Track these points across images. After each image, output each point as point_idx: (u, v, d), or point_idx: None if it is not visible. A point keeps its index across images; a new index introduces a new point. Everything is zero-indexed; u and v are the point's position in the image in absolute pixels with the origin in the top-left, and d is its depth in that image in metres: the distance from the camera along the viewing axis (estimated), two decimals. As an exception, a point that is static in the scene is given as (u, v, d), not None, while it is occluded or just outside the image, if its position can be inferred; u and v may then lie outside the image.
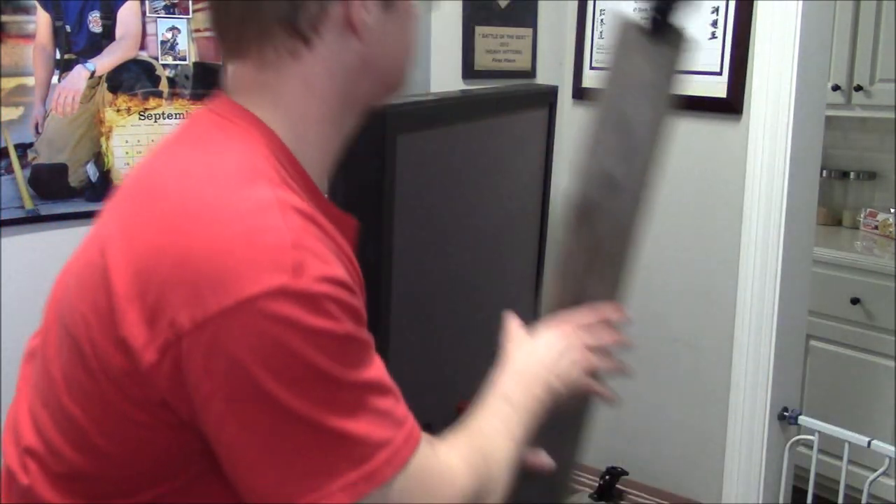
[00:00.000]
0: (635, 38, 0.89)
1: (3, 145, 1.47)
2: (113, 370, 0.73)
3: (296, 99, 0.83)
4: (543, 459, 1.03)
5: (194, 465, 0.76)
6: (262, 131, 0.81)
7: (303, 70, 0.83)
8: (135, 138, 1.61)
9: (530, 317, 2.19)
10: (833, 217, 3.50)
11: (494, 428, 0.91)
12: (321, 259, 0.72)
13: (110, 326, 0.72)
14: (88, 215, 1.47)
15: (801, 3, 1.84)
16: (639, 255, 2.28)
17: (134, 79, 1.58)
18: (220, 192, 0.74)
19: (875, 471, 1.93)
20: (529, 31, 2.21)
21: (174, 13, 1.61)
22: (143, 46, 1.58)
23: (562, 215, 0.94)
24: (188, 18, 1.62)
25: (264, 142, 0.81)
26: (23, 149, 1.49)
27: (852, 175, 3.48)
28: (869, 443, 1.92)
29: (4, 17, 1.46)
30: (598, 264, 0.93)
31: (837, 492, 2.02)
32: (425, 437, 0.82)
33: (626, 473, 2.07)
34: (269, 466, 0.71)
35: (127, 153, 1.61)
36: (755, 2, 1.90)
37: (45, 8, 1.49)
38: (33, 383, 0.84)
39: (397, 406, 0.81)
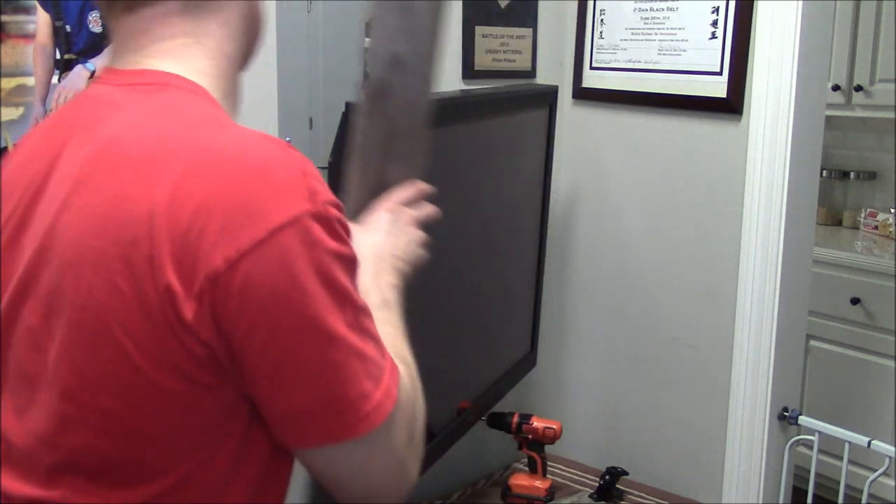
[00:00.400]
0: None
1: (3, 145, 1.47)
2: (156, 335, 0.72)
3: (218, 41, 0.84)
4: None
5: (221, 432, 0.77)
6: (192, 87, 0.81)
7: (223, 12, 0.84)
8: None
9: (530, 315, 2.20)
10: (833, 217, 3.50)
11: (393, 336, 0.94)
12: (322, 184, 0.75)
13: (153, 289, 0.71)
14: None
15: (801, 3, 1.84)
16: (638, 256, 2.29)
17: (134, 79, 1.58)
18: (216, 137, 0.75)
19: (875, 471, 1.93)
20: (529, 31, 2.21)
21: (174, 13, 1.61)
22: (143, 46, 1.58)
23: (357, 102, 0.97)
24: (188, 18, 1.62)
25: (202, 93, 0.82)
26: (23, 149, 1.49)
27: (852, 175, 3.48)
28: (869, 443, 1.92)
29: (4, 17, 1.46)
30: (395, 144, 0.97)
31: (837, 492, 2.02)
32: None
33: (626, 473, 2.07)
34: (308, 387, 0.74)
35: (127, 153, 1.60)
36: (755, 2, 1.90)
37: (45, 8, 1.49)
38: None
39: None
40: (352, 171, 1.00)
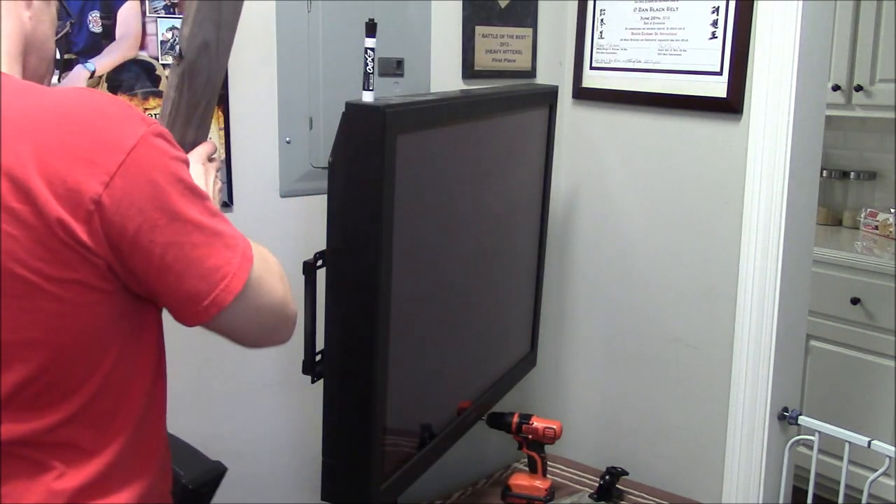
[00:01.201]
0: None
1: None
2: (62, 259, 0.87)
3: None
4: None
5: (123, 331, 0.96)
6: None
7: None
8: (135, 138, 1.61)
9: (530, 315, 2.20)
10: (833, 217, 3.50)
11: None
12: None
13: (44, 226, 0.86)
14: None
15: (801, 3, 1.84)
16: (638, 256, 2.29)
17: (134, 79, 1.58)
18: (46, 97, 0.91)
19: (875, 471, 1.93)
20: (529, 31, 2.22)
21: (174, 13, 1.61)
22: (143, 46, 1.58)
23: (170, 76, 1.17)
24: (188, 18, 1.62)
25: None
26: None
27: (852, 175, 3.48)
28: (869, 443, 1.92)
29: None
30: (196, 113, 1.19)
31: (837, 492, 2.02)
32: None
33: (626, 473, 2.07)
34: (191, 270, 0.93)
35: (127, 153, 1.60)
36: (755, 2, 1.90)
37: (45, 8, 1.49)
38: None
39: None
40: None
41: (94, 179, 0.87)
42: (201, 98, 1.18)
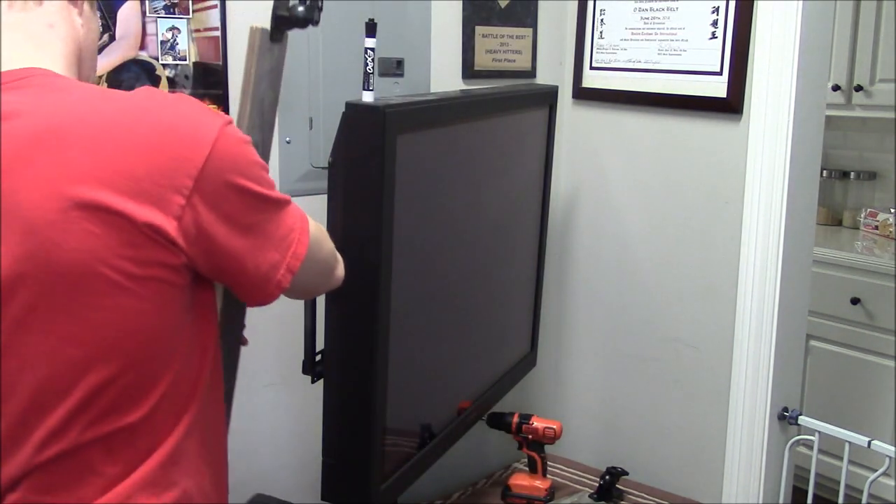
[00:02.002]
0: (265, 40, 1.27)
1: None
2: (139, 260, 0.88)
3: (40, 34, 0.99)
4: None
5: (191, 326, 0.98)
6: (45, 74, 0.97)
7: (44, 16, 1.00)
8: (135, 138, 1.61)
9: (530, 315, 2.20)
10: (833, 217, 3.50)
11: None
12: None
13: (129, 228, 0.87)
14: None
15: (801, 3, 1.84)
16: (639, 256, 2.29)
17: (134, 79, 1.58)
18: (129, 97, 0.93)
19: (875, 471, 1.93)
20: (529, 31, 2.22)
21: (174, 13, 1.61)
22: (143, 46, 1.58)
23: None
24: (188, 18, 1.62)
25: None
26: (23, 149, 1.49)
27: (852, 175, 3.48)
28: (869, 443, 1.92)
29: (4, 17, 1.46)
30: None
31: (837, 492, 2.02)
32: None
33: (626, 473, 2.07)
34: (271, 244, 0.99)
35: (127, 153, 1.61)
36: (755, 2, 1.90)
37: (45, 8, 1.49)
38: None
39: None
40: None
41: (184, 175, 0.89)
42: None
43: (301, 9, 1.29)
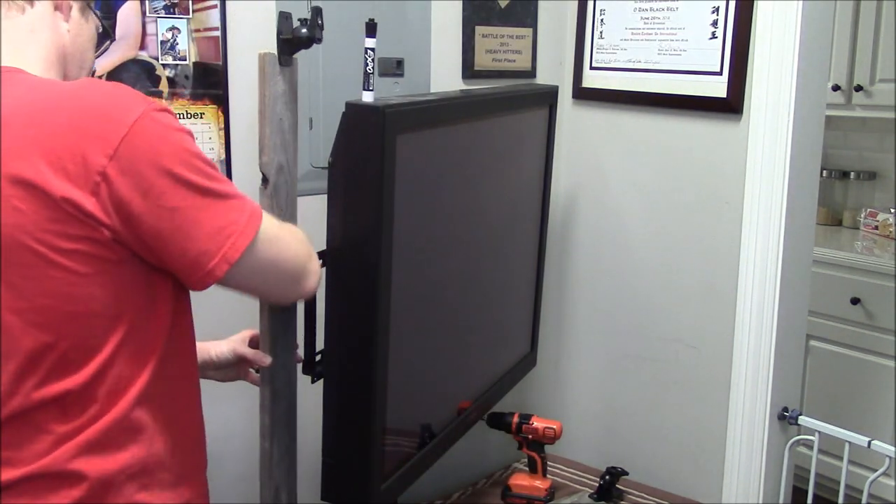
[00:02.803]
0: (273, 65, 1.33)
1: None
2: (66, 233, 0.95)
3: (27, 43, 1.07)
4: None
5: (136, 299, 1.02)
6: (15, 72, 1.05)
7: (30, 22, 1.08)
8: (135, 138, 1.61)
9: (530, 315, 2.19)
10: (833, 217, 3.50)
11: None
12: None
13: (51, 203, 0.94)
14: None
15: (801, 3, 1.84)
16: (638, 256, 2.29)
17: (134, 79, 1.58)
18: (65, 85, 1.01)
19: (875, 471, 1.93)
20: (529, 31, 2.22)
21: (174, 13, 1.61)
22: (143, 46, 1.58)
23: (261, 200, 1.34)
24: (188, 18, 1.62)
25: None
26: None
27: (852, 175, 3.48)
28: (869, 443, 1.92)
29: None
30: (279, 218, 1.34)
31: (837, 492, 2.02)
32: None
33: (626, 473, 2.07)
34: (200, 232, 1.00)
35: (127, 153, 1.61)
36: (755, 2, 1.90)
37: (45, 8, 1.49)
38: None
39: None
40: None
41: (99, 153, 0.94)
42: (286, 210, 1.37)
43: (304, 30, 1.35)
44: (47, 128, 0.95)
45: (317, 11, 1.35)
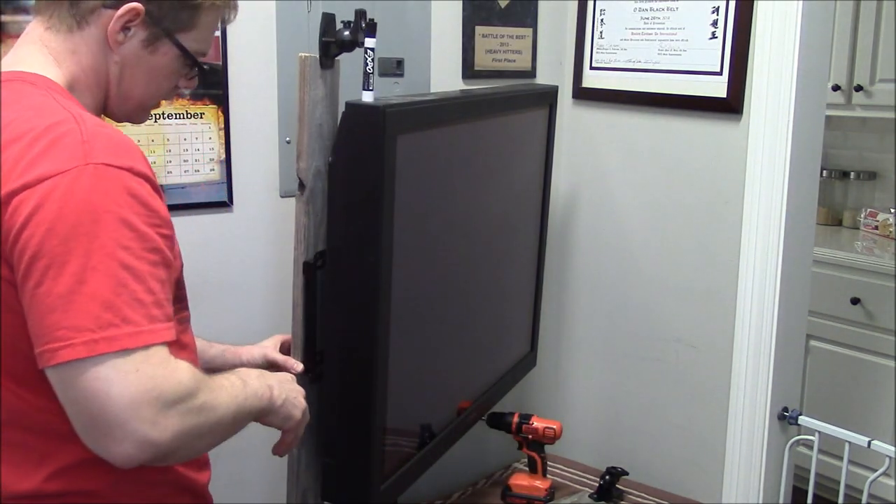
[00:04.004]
0: (314, 68, 1.31)
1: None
2: None
3: (64, 58, 1.08)
4: None
5: None
6: (43, 81, 1.06)
7: (73, 42, 1.08)
8: (135, 138, 1.60)
9: (530, 315, 2.19)
10: (833, 217, 3.49)
11: (221, 379, 1.09)
12: (116, 152, 0.98)
13: None
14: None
15: (801, 3, 1.84)
16: (638, 255, 2.29)
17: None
18: (41, 113, 0.99)
19: (875, 471, 1.93)
20: (529, 31, 2.22)
21: (174, 13, 1.61)
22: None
23: (297, 205, 1.33)
24: (188, 18, 1.62)
25: (46, 86, 1.05)
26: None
27: (852, 175, 3.48)
28: (869, 443, 1.92)
29: (4, 17, 1.46)
30: (320, 233, 1.36)
31: (837, 492, 2.02)
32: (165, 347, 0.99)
33: (626, 473, 2.07)
34: (44, 314, 0.92)
35: (127, 153, 1.60)
36: (755, 2, 1.90)
37: (45, 8, 1.48)
38: None
39: (153, 304, 0.97)
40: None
41: (13, 184, 0.93)
42: (322, 217, 1.35)
43: (346, 33, 1.32)
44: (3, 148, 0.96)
45: (360, 14, 1.33)
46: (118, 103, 1.14)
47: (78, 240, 0.91)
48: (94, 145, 0.95)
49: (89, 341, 0.90)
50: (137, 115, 1.19)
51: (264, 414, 1.15)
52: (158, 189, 1.02)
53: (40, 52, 1.08)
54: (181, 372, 0.97)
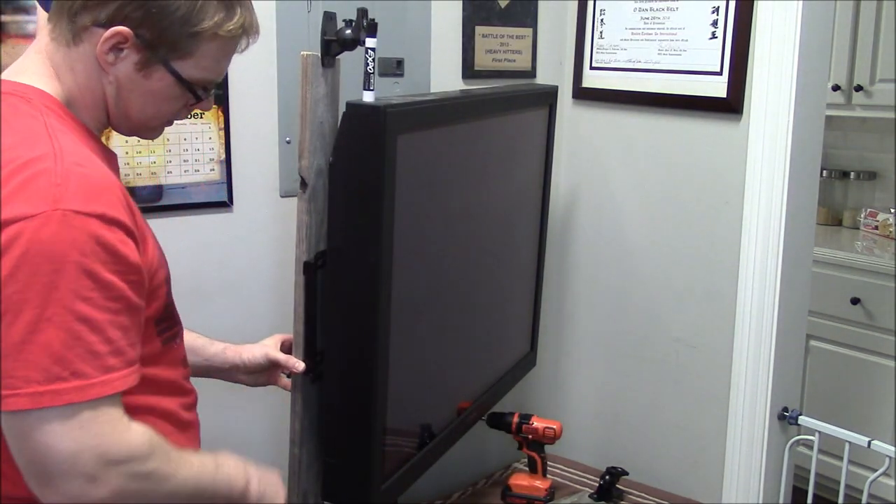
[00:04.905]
0: (316, 66, 1.31)
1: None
2: None
3: (62, 73, 1.08)
4: None
5: None
6: (40, 96, 1.05)
7: (70, 57, 1.07)
8: (135, 138, 1.60)
9: (530, 315, 2.19)
10: (833, 217, 3.50)
11: (192, 455, 1.09)
12: (90, 199, 0.97)
13: None
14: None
15: (801, 3, 1.84)
16: (639, 256, 2.29)
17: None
18: (28, 145, 0.98)
19: (875, 471, 1.93)
20: (529, 31, 2.22)
21: (174, 13, 1.61)
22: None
23: (299, 203, 1.33)
24: (188, 18, 1.62)
25: (43, 103, 1.04)
26: (23, 149, 1.49)
27: (852, 175, 3.48)
28: (869, 443, 1.92)
29: (4, 17, 1.46)
30: (321, 232, 1.36)
31: (837, 492, 2.02)
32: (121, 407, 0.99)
33: (626, 473, 2.07)
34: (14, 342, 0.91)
35: (127, 153, 1.61)
36: (755, 2, 1.90)
37: (45, 8, 1.48)
38: None
39: (112, 353, 0.96)
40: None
41: None
42: (324, 215, 1.34)
43: (348, 31, 1.32)
44: None
45: (362, 13, 1.33)
46: (119, 122, 1.13)
47: (36, 289, 0.91)
48: (66, 188, 0.93)
49: (35, 394, 0.91)
50: (142, 133, 1.18)
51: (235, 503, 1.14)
52: (133, 232, 0.99)
53: (43, 63, 1.08)
54: (132, 434, 0.98)
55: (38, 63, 1.08)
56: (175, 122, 1.19)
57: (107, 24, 1.04)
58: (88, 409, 0.94)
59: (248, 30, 1.14)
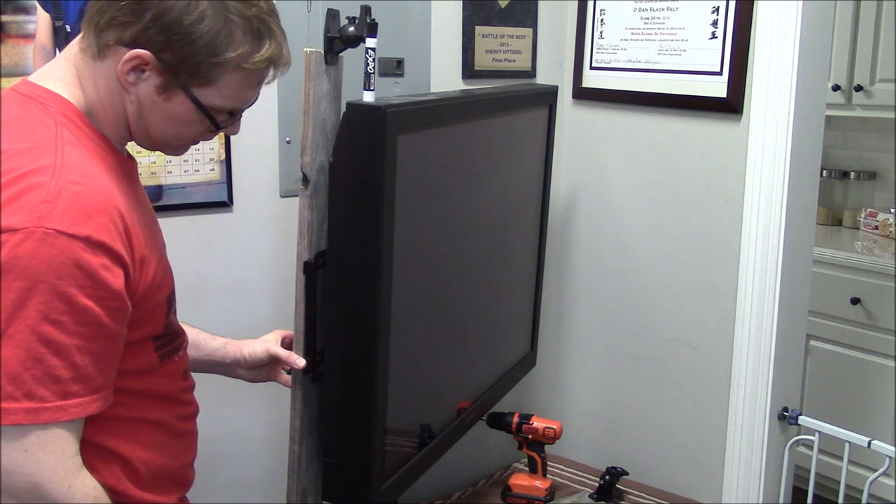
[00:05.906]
0: (319, 63, 1.31)
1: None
2: None
3: (86, 84, 1.08)
4: None
5: None
6: (59, 104, 1.06)
7: (94, 70, 1.07)
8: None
9: (530, 315, 2.19)
10: (833, 217, 3.50)
11: None
12: (76, 217, 0.97)
13: None
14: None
15: (801, 3, 1.84)
16: (638, 256, 2.29)
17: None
18: (27, 152, 0.98)
19: (875, 471, 1.93)
20: (529, 31, 2.21)
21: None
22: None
23: (300, 199, 1.34)
24: (188, 18, 1.62)
25: (61, 111, 1.05)
26: (23, 149, 1.49)
27: (852, 175, 3.48)
28: (869, 443, 1.92)
29: (4, 17, 1.46)
30: (323, 227, 1.37)
31: (837, 492, 2.02)
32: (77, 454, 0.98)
33: (626, 473, 2.07)
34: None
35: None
36: (755, 2, 1.90)
37: (45, 8, 1.49)
38: None
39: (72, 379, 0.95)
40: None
41: None
42: (325, 213, 1.35)
43: (351, 29, 1.32)
44: None
45: (365, 10, 1.33)
46: (140, 138, 1.13)
47: (4, 304, 0.90)
48: (55, 206, 0.93)
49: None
50: (165, 150, 1.18)
51: None
52: (121, 257, 0.98)
53: (70, 71, 1.08)
54: (78, 485, 0.97)
55: (65, 70, 1.08)
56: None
57: (130, 45, 1.04)
58: (37, 434, 0.93)
59: (276, 62, 1.11)
